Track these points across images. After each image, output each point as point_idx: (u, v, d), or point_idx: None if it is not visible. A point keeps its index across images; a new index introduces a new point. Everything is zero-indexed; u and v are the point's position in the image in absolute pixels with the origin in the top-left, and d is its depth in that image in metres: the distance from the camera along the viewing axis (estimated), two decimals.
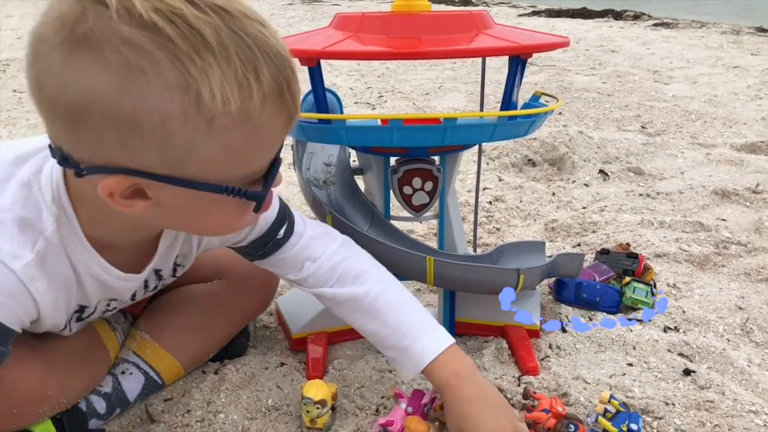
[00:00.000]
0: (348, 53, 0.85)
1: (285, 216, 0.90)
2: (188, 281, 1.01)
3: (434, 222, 1.10)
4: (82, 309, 0.79)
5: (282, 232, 0.89)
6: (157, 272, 0.85)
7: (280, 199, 0.90)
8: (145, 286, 0.86)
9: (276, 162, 0.66)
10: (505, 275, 0.98)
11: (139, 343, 0.95)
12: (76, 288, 0.75)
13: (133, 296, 0.86)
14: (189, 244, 0.86)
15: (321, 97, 0.88)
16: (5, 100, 3.17)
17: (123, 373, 0.93)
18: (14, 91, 3.39)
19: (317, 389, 0.85)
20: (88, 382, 0.88)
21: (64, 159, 0.60)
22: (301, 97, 0.64)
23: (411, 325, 0.86)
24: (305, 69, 0.85)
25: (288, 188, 1.89)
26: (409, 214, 1.01)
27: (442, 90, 3.42)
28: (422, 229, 1.61)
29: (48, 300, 0.70)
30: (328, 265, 0.89)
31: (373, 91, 3.40)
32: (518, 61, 0.94)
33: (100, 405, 0.89)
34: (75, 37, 0.54)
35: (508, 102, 0.96)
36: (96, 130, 0.56)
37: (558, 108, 1.03)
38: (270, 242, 0.89)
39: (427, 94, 3.32)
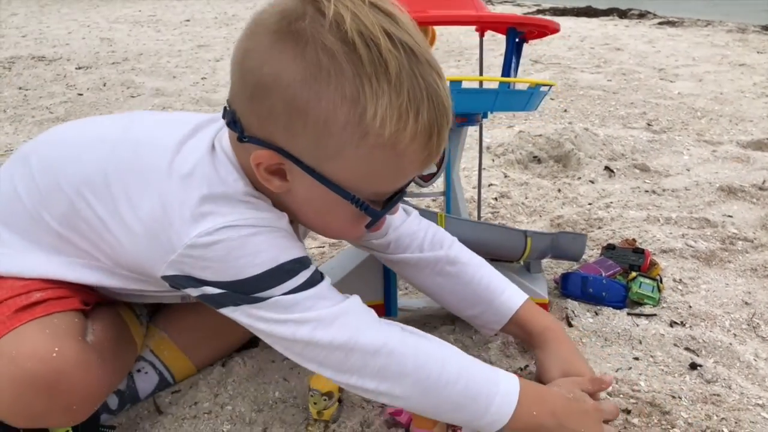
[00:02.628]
0: None
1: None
2: None
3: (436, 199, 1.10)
4: None
5: None
6: None
7: None
8: None
9: (400, 193, 0.74)
10: (513, 236, 1.01)
11: (157, 341, 0.96)
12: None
13: None
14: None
15: None
16: (11, 98, 3.18)
17: (138, 371, 0.93)
18: (20, 88, 3.40)
19: (325, 381, 0.86)
20: (121, 376, 0.88)
21: (233, 121, 0.69)
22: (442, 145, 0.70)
23: (491, 281, 0.94)
24: None
25: None
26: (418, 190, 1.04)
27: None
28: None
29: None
30: (408, 231, 0.94)
31: None
32: (515, 34, 0.97)
33: (112, 401, 0.89)
34: (289, 29, 0.64)
35: (507, 72, 0.99)
36: (270, 106, 0.65)
37: (553, 86, 1.06)
38: None
39: None
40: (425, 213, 0.98)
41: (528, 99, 0.96)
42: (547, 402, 0.76)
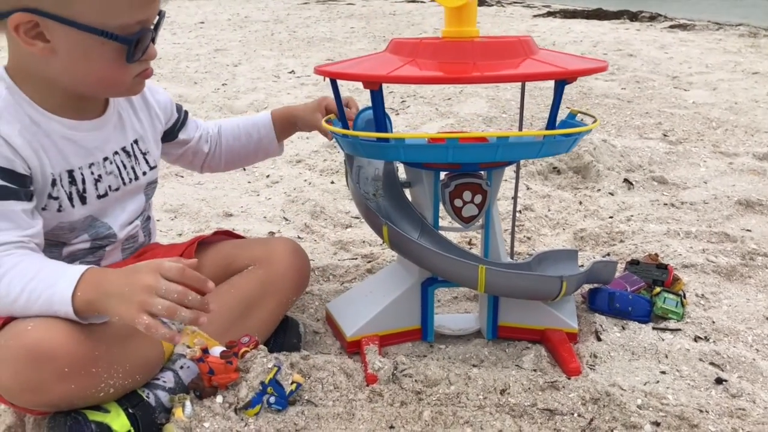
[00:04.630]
0: (410, 78, 0.91)
1: (181, 107, 1.23)
2: (228, 274, 1.10)
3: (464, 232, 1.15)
4: (70, 174, 0.96)
5: (183, 115, 1.22)
6: (124, 149, 1.04)
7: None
8: (123, 166, 1.03)
9: (144, 31, 0.88)
10: (550, 283, 1.04)
11: (191, 336, 1.02)
12: (49, 145, 0.92)
13: (120, 174, 1.03)
14: (140, 123, 1.08)
15: (381, 117, 0.95)
16: None
17: (182, 367, 0.99)
18: None
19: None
20: (139, 362, 0.93)
21: None
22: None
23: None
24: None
25: (323, 196, 1.95)
26: (457, 225, 1.07)
27: (463, 95, 3.47)
28: (455, 238, 1.67)
29: (19, 142, 0.88)
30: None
31: (395, 96, 3.45)
32: (563, 85, 1.00)
33: (166, 399, 0.96)
34: None
35: (554, 122, 1.02)
36: None
37: (597, 127, 1.09)
38: (181, 119, 1.21)
39: (449, 99, 3.37)
40: (466, 266, 1.02)
41: (571, 144, 0.99)
42: (99, 283, 0.84)
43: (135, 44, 0.88)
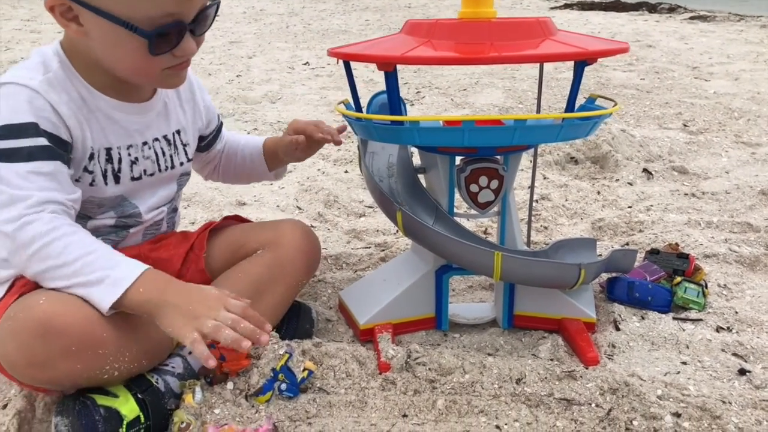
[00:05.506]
0: (424, 59, 0.88)
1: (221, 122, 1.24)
2: (237, 259, 1.09)
3: (479, 219, 1.13)
4: (108, 151, 0.97)
5: (219, 126, 1.23)
6: (165, 137, 1.05)
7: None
8: (162, 153, 1.04)
9: (172, 25, 0.86)
10: (568, 270, 1.01)
11: None
12: (93, 120, 0.94)
13: (158, 161, 1.04)
14: (184, 114, 1.09)
15: (396, 100, 0.93)
16: None
17: (190, 353, 0.98)
18: None
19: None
20: (147, 347, 0.92)
21: None
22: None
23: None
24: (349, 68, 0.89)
25: (337, 185, 1.93)
26: (473, 211, 1.05)
27: (479, 85, 3.43)
28: (470, 227, 1.64)
29: (66, 111, 0.90)
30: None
31: (410, 87, 3.42)
32: (583, 66, 0.97)
33: (175, 385, 0.95)
34: None
35: (573, 105, 0.99)
36: None
37: (617, 111, 1.06)
38: (217, 131, 1.22)
39: (465, 89, 3.33)
40: (482, 252, 1.00)
41: (590, 128, 0.96)
42: (165, 289, 0.85)
43: (156, 37, 0.86)
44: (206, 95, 1.16)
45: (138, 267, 0.86)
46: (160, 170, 1.05)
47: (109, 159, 0.98)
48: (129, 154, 1.00)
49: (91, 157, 0.95)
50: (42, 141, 0.87)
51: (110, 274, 0.84)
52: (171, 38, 0.88)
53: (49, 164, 0.87)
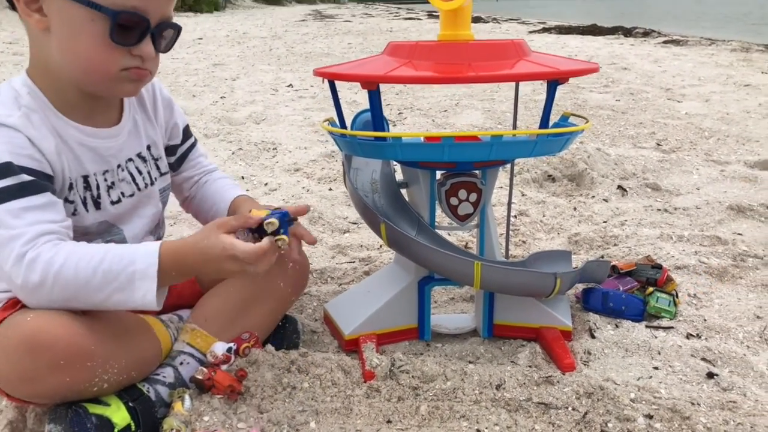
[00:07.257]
0: (406, 78, 0.93)
1: (191, 133, 1.21)
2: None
3: (459, 232, 1.17)
4: (85, 179, 0.98)
5: (191, 141, 1.20)
6: (139, 155, 1.06)
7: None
8: (139, 172, 1.05)
9: (136, 15, 0.88)
10: (544, 279, 1.06)
11: (190, 334, 1.04)
12: (66, 150, 0.94)
13: (134, 181, 1.05)
14: (153, 129, 1.10)
15: (379, 117, 0.97)
16: None
17: (181, 364, 1.01)
18: None
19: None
20: (136, 358, 0.95)
21: None
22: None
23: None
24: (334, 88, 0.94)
25: (321, 202, 1.97)
26: (453, 224, 1.09)
27: (459, 107, 3.51)
28: (450, 240, 1.69)
29: (46, 146, 0.91)
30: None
31: (392, 108, 3.49)
32: (555, 85, 1.03)
33: (166, 394, 0.97)
34: None
35: (547, 122, 1.05)
36: None
37: (588, 128, 1.12)
38: (187, 146, 1.19)
39: (445, 111, 3.41)
40: (462, 261, 1.05)
41: (563, 144, 1.02)
42: (184, 261, 0.90)
43: (118, 24, 0.87)
44: (175, 112, 1.15)
45: (151, 250, 0.89)
46: (139, 189, 1.06)
47: (87, 186, 0.98)
48: (105, 180, 1.00)
49: (71, 186, 0.96)
50: (26, 177, 0.87)
51: (135, 269, 0.86)
52: (132, 32, 0.89)
53: (40, 197, 0.88)
